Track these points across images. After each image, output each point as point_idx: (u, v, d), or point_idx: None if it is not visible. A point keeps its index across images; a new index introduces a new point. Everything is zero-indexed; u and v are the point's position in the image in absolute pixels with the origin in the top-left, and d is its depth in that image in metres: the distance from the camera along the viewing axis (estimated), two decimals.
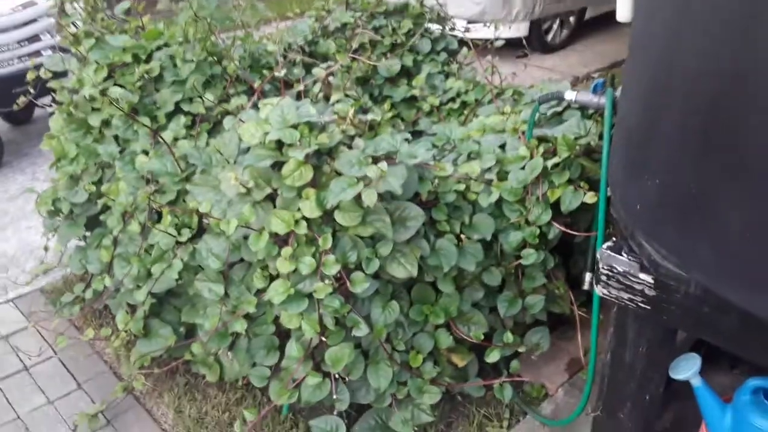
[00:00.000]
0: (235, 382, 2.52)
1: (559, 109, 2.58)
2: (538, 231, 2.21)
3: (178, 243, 2.25)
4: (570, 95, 2.22)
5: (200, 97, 2.47)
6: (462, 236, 2.15)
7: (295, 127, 1.94)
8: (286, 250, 1.91)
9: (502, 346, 2.25)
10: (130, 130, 2.49)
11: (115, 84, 2.55)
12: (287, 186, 1.91)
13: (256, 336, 2.14)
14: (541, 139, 2.36)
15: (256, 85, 2.45)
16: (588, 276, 2.53)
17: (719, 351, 1.65)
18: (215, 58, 2.51)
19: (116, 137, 2.54)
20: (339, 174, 1.93)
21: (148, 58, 2.55)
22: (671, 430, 2.15)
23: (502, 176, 2.30)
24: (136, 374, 2.40)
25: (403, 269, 1.98)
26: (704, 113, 1.23)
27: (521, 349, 2.31)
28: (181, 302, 2.44)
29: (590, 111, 2.54)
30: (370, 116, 2.05)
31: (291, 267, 1.88)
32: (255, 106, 2.34)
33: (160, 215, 2.39)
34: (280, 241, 1.95)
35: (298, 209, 1.92)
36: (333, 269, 1.87)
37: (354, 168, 1.88)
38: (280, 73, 2.25)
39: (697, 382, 1.70)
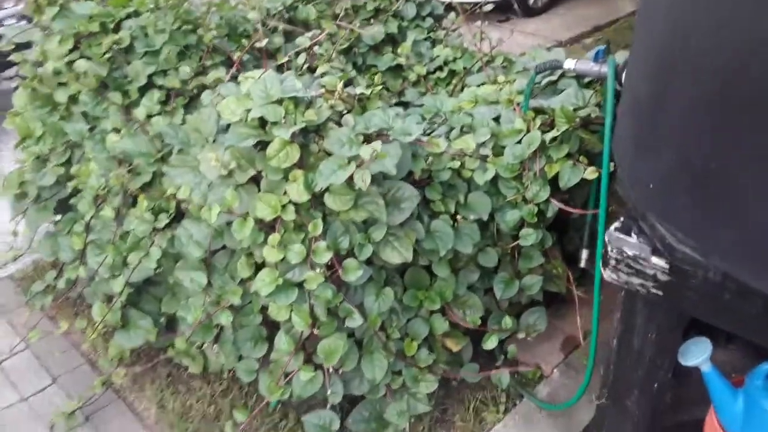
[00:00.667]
0: (221, 373, 2.41)
1: (554, 78, 2.46)
2: (536, 209, 2.11)
3: (155, 229, 2.10)
4: (569, 64, 2.10)
5: (175, 70, 2.30)
6: (458, 217, 2.03)
7: (279, 102, 1.79)
8: (273, 237, 1.78)
9: (498, 330, 2.16)
10: (100, 106, 2.32)
11: (81, 56, 2.36)
12: (272, 168, 1.77)
13: (242, 327, 2.02)
14: (538, 111, 2.24)
15: (235, 56, 2.28)
16: (585, 253, 2.45)
17: (711, 327, 1.58)
18: (190, 27, 2.33)
19: (85, 114, 2.37)
20: (328, 154, 1.80)
21: (117, 28, 2.36)
22: (671, 408, 2.10)
23: (498, 151, 2.18)
24: (115, 368, 2.28)
25: (397, 254, 1.87)
26: (725, 80, 1.11)
27: (519, 334, 2.22)
28: (160, 291, 2.31)
29: (587, 80, 2.44)
30: (358, 89, 1.91)
31: (279, 255, 1.76)
32: (234, 79, 2.18)
33: (135, 199, 2.24)
34: (266, 227, 1.82)
35: (285, 193, 1.79)
36: (324, 257, 1.75)
37: (345, 147, 1.75)
38: (262, 43, 2.08)
39: (706, 367, 1.63)
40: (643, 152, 1.47)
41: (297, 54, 2.18)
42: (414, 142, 1.97)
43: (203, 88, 2.29)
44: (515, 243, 2.15)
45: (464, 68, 2.97)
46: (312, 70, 2.23)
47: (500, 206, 2.15)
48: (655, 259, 1.49)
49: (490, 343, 2.10)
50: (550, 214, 2.13)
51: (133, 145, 2.13)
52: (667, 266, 1.47)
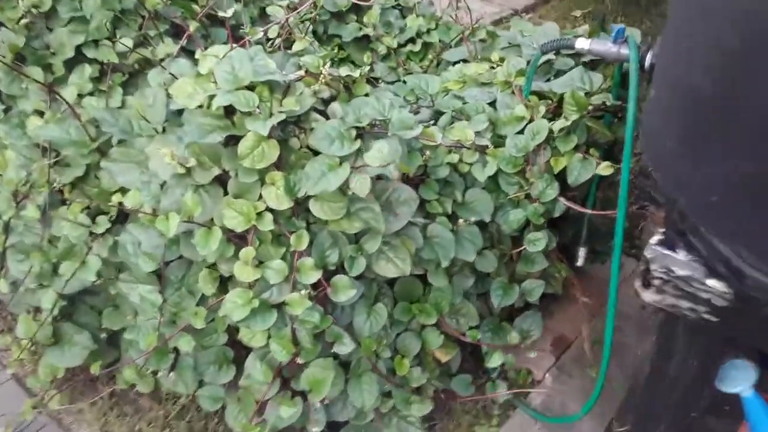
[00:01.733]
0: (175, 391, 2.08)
1: (551, 57, 2.19)
2: (542, 208, 1.86)
3: (92, 234, 1.73)
4: (582, 44, 1.83)
5: (109, 40, 1.89)
6: (459, 221, 1.76)
7: (251, 88, 1.45)
8: (247, 252, 1.46)
9: (502, 346, 1.92)
10: (16, 83, 1.90)
11: None
12: (245, 168, 1.44)
13: (204, 348, 1.69)
14: (540, 96, 1.98)
15: (188, 25, 1.89)
16: (582, 251, 2.24)
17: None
18: None
19: None
20: (313, 151, 1.48)
21: None
22: None
23: (496, 142, 1.92)
24: (47, 390, 1.91)
25: (393, 267, 1.58)
26: None
27: (512, 340, 1.99)
28: (99, 300, 1.94)
29: (585, 59, 2.19)
30: (344, 71, 1.58)
31: (254, 275, 1.44)
32: (187, 53, 1.81)
33: (64, 201, 1.86)
34: (236, 237, 1.50)
35: (260, 198, 1.47)
36: (311, 277, 1.45)
37: (335, 144, 1.43)
38: (227, 12, 1.70)
39: (747, 392, 1.44)
40: (701, 156, 1.23)
41: (264, 29, 1.81)
42: None
43: (146, 63, 1.90)
44: (520, 248, 1.90)
45: (440, 41, 2.66)
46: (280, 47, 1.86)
47: (501, 205, 1.89)
48: (712, 282, 1.27)
49: (493, 362, 1.85)
50: (557, 213, 1.88)
51: (61, 133, 1.74)
52: (728, 291, 1.25)
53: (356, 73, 1.58)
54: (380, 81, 2.66)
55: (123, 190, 1.67)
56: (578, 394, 2.23)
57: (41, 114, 1.85)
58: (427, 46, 2.70)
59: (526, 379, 2.26)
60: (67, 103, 1.70)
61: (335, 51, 2.64)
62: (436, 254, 1.67)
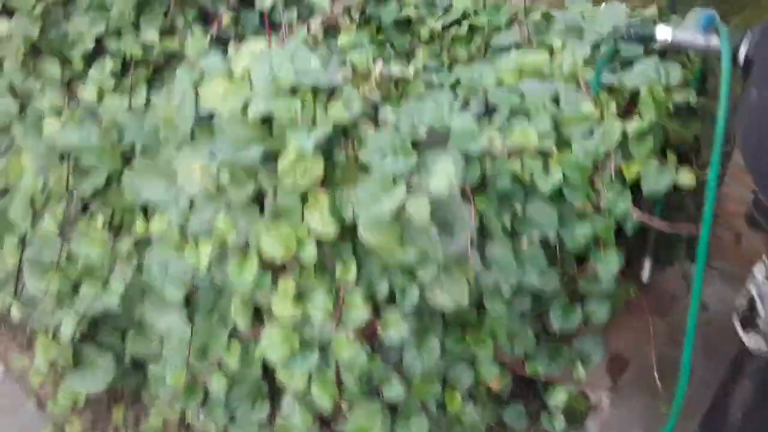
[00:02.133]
0: None
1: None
2: (613, 223, 1.65)
3: (115, 253, 1.57)
4: (664, 33, 1.58)
5: (133, 30, 1.71)
6: (523, 238, 1.56)
7: (293, 92, 1.26)
8: (287, 285, 1.28)
9: (570, 381, 1.73)
10: (32, 78, 1.72)
11: (3, 9, 1.75)
12: (286, 188, 1.25)
13: (236, 383, 1.53)
14: (610, 90, 1.76)
15: (221, 11, 1.69)
16: (648, 264, 2.02)
17: None
18: None
19: (12, 88, 1.77)
20: (363, 167, 1.29)
21: None
22: None
23: (562, 144, 1.70)
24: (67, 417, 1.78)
25: (449, 298, 1.39)
26: None
27: (580, 375, 1.79)
28: (122, 320, 1.78)
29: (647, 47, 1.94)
30: (396, 70, 1.37)
31: (295, 310, 1.26)
32: (219, 42, 1.62)
33: (85, 206, 1.70)
34: (274, 267, 1.32)
35: (303, 221, 1.28)
36: (360, 314, 1.27)
37: (388, 159, 1.23)
38: (265, 1, 1.48)
39: None
40: None
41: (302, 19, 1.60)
42: None
43: (172, 55, 1.71)
44: (583, 264, 1.70)
45: (489, 23, 2.43)
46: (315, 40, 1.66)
47: (564, 218, 1.68)
48: None
49: (556, 398, 1.67)
50: (631, 229, 1.67)
51: (81, 137, 1.56)
52: None
53: (410, 71, 1.38)
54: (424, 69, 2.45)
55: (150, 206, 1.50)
56: (639, 421, 2.04)
57: (59, 113, 1.68)
58: (473, 29, 2.47)
59: (582, 404, 2.07)
60: (85, 103, 1.52)
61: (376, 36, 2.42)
62: (497, 280, 1.48)
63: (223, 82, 1.35)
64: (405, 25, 2.50)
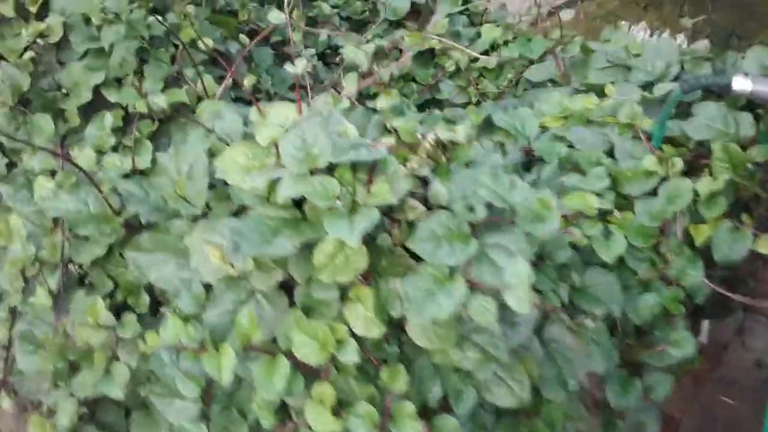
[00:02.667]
0: None
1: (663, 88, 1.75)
2: (682, 293, 1.46)
3: (118, 338, 1.37)
4: (741, 84, 1.40)
5: (136, 78, 1.51)
6: (585, 320, 1.36)
7: (329, 170, 1.06)
8: (323, 393, 1.08)
9: None
10: (21, 134, 1.53)
11: None
12: (322, 281, 1.06)
13: None
14: (670, 142, 1.57)
15: (233, 50, 1.50)
16: (706, 325, 1.84)
17: None
18: (154, 11, 1.53)
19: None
20: (411, 254, 1.09)
21: (42, 12, 1.54)
22: None
23: (620, 204, 1.52)
24: None
25: (509, 394, 1.20)
26: None
27: None
28: (126, 399, 1.59)
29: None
30: (446, 134, 1.18)
31: (333, 426, 1.06)
32: (235, 98, 1.43)
33: (81, 277, 1.50)
34: (307, 368, 1.12)
35: (341, 318, 1.09)
36: (410, 427, 1.07)
37: (443, 248, 1.04)
38: (297, 68, 1.25)
39: None
40: None
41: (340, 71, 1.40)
42: None
43: (181, 106, 1.52)
44: (647, 337, 1.50)
45: (520, 56, 2.24)
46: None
47: (626, 287, 1.49)
48: None
49: None
50: (701, 300, 1.48)
51: (77, 205, 1.37)
52: None
53: (460, 136, 1.18)
54: (445, 103, 2.27)
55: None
56: None
57: (52, 173, 1.48)
58: (502, 61, 2.28)
59: None
60: (83, 172, 1.32)
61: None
62: (559, 370, 1.29)
63: (243, 151, 1.16)
64: (428, 56, 2.32)
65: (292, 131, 1.07)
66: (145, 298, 1.36)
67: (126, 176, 1.41)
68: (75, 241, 1.46)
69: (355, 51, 1.54)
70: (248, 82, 1.22)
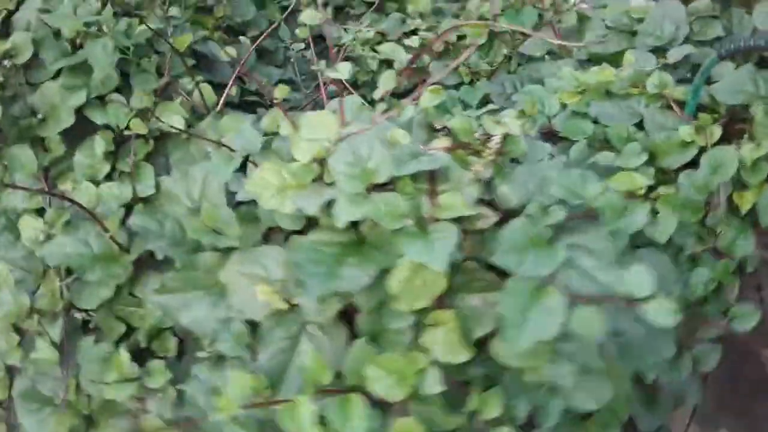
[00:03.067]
0: None
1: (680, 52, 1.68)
2: (734, 265, 1.40)
3: (145, 387, 1.22)
4: None
5: (122, 94, 1.34)
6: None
7: (389, 183, 0.94)
8: (407, 427, 0.97)
9: None
10: None
11: None
12: (398, 309, 0.94)
13: None
14: (701, 109, 1.50)
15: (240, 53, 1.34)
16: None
17: None
18: (136, 14, 1.35)
19: None
20: (486, 265, 0.98)
21: (4, 28, 1.34)
22: None
23: (661, 180, 1.44)
24: None
25: (591, 396, 1.11)
26: None
27: None
28: None
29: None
30: (496, 128, 1.06)
31: None
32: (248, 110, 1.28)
33: (85, 323, 1.34)
34: (384, 403, 1.01)
35: (417, 345, 0.97)
36: None
37: (530, 259, 0.93)
38: (340, 72, 1.06)
39: None
40: None
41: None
42: None
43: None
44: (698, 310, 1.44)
45: (513, 30, 2.13)
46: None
47: (676, 264, 1.42)
48: None
49: None
50: (751, 269, 1.43)
51: (78, 248, 1.20)
52: None
53: (514, 127, 1.07)
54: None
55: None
56: None
57: (39, 212, 1.30)
58: (492, 36, 2.17)
59: None
60: (83, 208, 1.15)
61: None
62: (635, 363, 1.20)
63: (275, 169, 1.02)
64: (410, 36, 2.19)
65: (343, 145, 0.94)
66: (173, 342, 1.21)
67: (129, 207, 1.25)
68: (77, 285, 1.30)
69: (395, 48, 1.40)
70: (280, 93, 1.06)
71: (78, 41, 1.30)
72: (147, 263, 1.28)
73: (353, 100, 1.15)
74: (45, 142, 1.32)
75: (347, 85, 1.63)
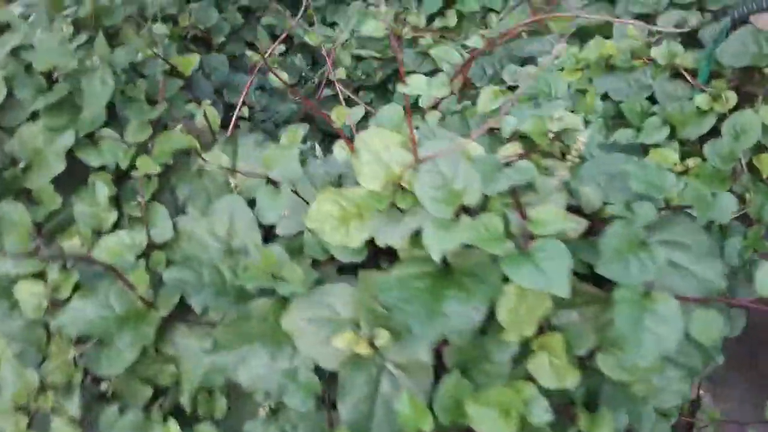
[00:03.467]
0: None
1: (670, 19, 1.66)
2: (763, 229, 1.40)
3: None
4: None
5: (112, 127, 1.18)
6: None
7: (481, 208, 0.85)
8: None
9: None
10: None
11: None
12: (505, 340, 0.86)
13: None
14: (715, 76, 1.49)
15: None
16: None
17: None
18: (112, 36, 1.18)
19: None
20: (581, 278, 0.91)
21: None
22: None
23: (684, 151, 1.42)
24: None
25: (676, 394, 1.07)
26: None
27: None
28: None
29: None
30: (575, 131, 0.98)
31: None
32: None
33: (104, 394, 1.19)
34: None
35: (520, 375, 0.90)
36: None
37: (633, 265, 0.86)
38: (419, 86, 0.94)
39: None
40: None
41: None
42: None
43: (178, 153, 1.20)
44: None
45: (481, 8, 2.06)
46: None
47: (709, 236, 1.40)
48: None
49: None
50: None
51: (99, 311, 1.05)
52: None
53: (574, 121, 1.00)
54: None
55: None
56: None
57: (40, 276, 1.13)
58: (461, 16, 2.10)
59: None
60: (106, 266, 1.00)
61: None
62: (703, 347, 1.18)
63: (334, 199, 0.92)
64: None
65: (425, 168, 0.84)
66: (223, 402, 1.08)
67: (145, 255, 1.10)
68: (93, 351, 1.14)
69: (448, 51, 1.28)
70: (338, 116, 0.93)
71: (55, 75, 1.13)
72: (173, 314, 1.15)
73: (393, 109, 1.05)
74: (32, 195, 1.14)
75: (342, 89, 1.52)
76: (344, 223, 0.92)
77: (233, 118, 1.17)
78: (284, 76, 1.03)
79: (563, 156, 0.98)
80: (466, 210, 0.85)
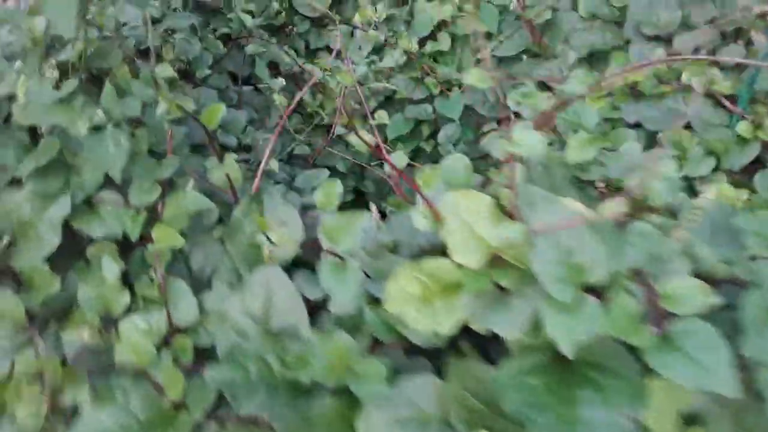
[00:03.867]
0: None
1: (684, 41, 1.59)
2: None
3: None
4: None
5: (112, 189, 0.98)
6: None
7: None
8: None
9: None
10: None
11: None
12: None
13: None
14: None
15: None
16: None
17: None
18: (95, 79, 0.98)
19: None
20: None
21: None
22: None
23: (730, 182, 1.33)
24: None
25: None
26: None
27: None
28: None
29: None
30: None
31: None
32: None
33: None
34: None
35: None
36: None
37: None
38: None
39: None
40: None
41: None
42: None
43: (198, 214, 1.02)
44: None
45: (477, 31, 1.94)
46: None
47: None
48: None
49: None
50: None
51: (120, 419, 0.86)
52: None
53: (670, 166, 0.88)
54: (407, 104, 1.93)
55: None
56: None
57: (37, 376, 0.93)
58: (455, 39, 1.97)
59: None
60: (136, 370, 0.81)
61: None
62: None
63: (413, 275, 0.77)
64: (372, 52, 1.94)
65: (544, 241, 0.70)
66: None
67: (171, 348, 0.92)
68: None
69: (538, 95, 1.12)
70: (399, 161, 0.77)
71: (40, 129, 0.93)
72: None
73: (460, 162, 0.90)
74: (24, 277, 0.93)
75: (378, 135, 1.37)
76: (427, 303, 0.77)
77: (258, 173, 1.00)
78: (368, 137, 0.86)
79: (670, 212, 0.86)
80: (589, 290, 0.72)
